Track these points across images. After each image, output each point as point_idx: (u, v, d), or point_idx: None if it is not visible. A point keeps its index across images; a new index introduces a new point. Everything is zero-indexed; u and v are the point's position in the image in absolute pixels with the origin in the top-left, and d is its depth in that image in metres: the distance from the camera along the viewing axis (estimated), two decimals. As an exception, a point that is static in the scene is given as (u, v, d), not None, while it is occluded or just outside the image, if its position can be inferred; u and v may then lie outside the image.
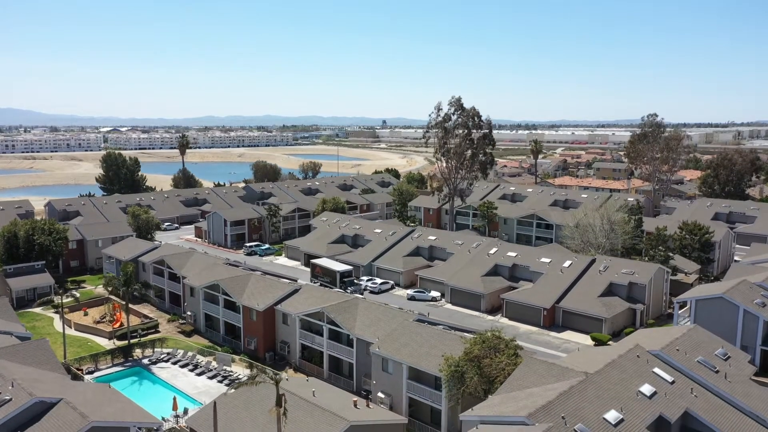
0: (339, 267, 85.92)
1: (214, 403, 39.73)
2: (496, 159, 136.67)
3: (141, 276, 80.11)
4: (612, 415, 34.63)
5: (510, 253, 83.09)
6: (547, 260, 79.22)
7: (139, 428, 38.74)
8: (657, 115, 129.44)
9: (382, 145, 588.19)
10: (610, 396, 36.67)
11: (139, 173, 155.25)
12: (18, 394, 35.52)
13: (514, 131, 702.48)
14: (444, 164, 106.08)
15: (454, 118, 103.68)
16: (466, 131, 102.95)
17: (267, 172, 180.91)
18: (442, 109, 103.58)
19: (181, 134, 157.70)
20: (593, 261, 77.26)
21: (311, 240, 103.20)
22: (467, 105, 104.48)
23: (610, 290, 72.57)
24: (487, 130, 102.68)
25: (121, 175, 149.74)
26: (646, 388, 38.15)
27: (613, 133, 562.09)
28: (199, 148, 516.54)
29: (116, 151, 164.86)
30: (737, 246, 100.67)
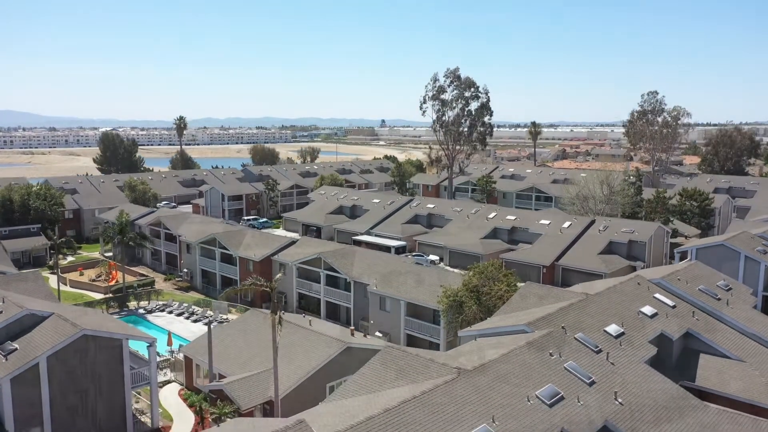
0: (393, 242, 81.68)
1: (209, 327, 39.14)
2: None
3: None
4: (613, 328, 34.10)
5: (509, 217, 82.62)
6: (547, 222, 78.75)
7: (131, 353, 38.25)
8: (657, 93, 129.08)
9: (381, 143, 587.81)
10: (611, 313, 36.15)
11: (137, 155, 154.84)
12: (9, 307, 34.96)
13: (513, 129, 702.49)
14: (442, 136, 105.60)
15: (450, 89, 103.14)
16: (463, 103, 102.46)
17: (265, 156, 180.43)
18: (438, 81, 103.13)
19: (179, 117, 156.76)
20: (593, 221, 76.81)
21: (309, 212, 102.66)
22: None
23: (610, 248, 72.09)
24: (485, 100, 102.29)
25: (118, 156, 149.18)
26: (647, 309, 37.63)
27: (612, 130, 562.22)
28: (198, 144, 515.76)
29: (114, 132, 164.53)
30: (737, 219, 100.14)
